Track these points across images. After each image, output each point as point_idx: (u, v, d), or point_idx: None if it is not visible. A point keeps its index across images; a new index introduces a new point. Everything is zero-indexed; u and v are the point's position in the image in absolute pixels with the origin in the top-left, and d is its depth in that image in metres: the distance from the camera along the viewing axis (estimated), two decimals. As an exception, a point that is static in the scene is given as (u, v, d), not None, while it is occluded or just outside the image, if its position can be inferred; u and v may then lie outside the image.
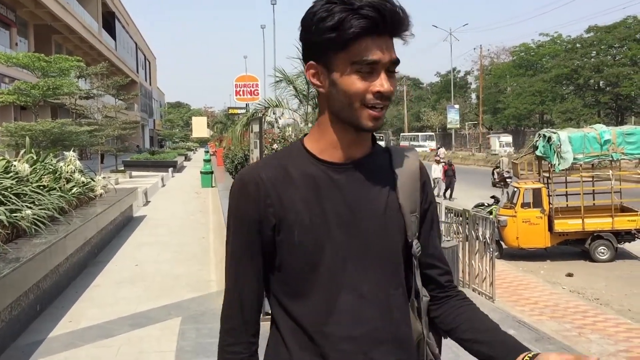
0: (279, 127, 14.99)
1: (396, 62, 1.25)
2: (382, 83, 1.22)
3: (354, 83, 1.22)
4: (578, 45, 50.56)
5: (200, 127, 59.64)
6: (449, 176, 22.40)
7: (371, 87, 1.22)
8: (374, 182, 1.32)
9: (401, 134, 75.60)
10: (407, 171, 1.37)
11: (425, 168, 1.44)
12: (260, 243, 1.31)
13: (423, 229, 1.40)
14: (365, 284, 1.28)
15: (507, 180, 26.88)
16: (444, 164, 22.76)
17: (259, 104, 19.96)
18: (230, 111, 39.46)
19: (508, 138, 50.00)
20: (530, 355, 1.21)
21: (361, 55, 1.21)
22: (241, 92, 25.90)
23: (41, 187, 7.38)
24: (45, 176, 8.12)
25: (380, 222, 1.31)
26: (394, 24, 1.21)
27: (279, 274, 1.32)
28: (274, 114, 16.25)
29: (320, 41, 1.23)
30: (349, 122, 1.27)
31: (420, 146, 59.14)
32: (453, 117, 57.37)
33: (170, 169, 28.50)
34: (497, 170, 25.14)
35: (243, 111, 28.78)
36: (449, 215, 12.21)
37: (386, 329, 1.29)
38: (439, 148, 52.78)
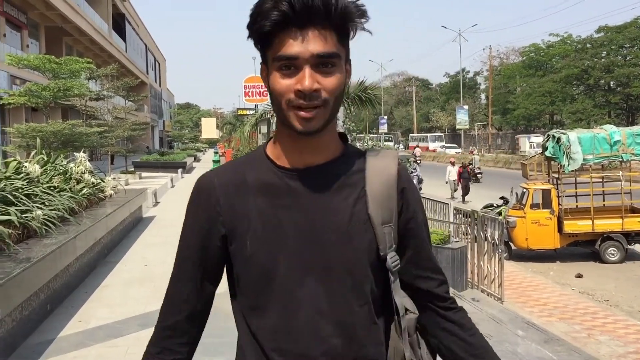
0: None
1: (325, 55, 1.12)
2: (301, 80, 1.11)
3: (277, 82, 1.14)
4: (588, 45, 50.31)
5: (209, 128, 59.80)
6: (465, 178, 21.99)
7: (293, 85, 1.12)
8: (338, 190, 1.21)
9: (410, 134, 75.50)
10: (380, 177, 1.24)
11: (406, 173, 1.29)
12: (207, 251, 1.25)
13: (410, 240, 1.28)
14: (325, 300, 1.18)
15: (478, 175, 27.56)
16: (459, 166, 22.44)
17: (267, 105, 20.04)
18: (239, 112, 39.63)
19: (539, 138, 49.48)
20: None
21: (277, 51, 1.13)
22: (250, 93, 25.96)
23: (52, 188, 7.45)
24: (56, 177, 8.20)
25: (343, 233, 1.19)
26: (310, 13, 1.10)
27: (238, 287, 1.26)
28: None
29: (253, 38, 1.19)
30: (283, 122, 1.19)
31: (450, 147, 58.51)
32: (462, 117, 57.22)
33: (179, 170, 28.62)
34: (469, 167, 25.07)
35: (252, 112, 28.87)
36: (457, 216, 12.19)
37: (347, 348, 1.19)
38: (415, 147, 52.57)
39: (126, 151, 29.34)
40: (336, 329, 1.19)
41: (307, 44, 1.11)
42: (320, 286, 1.18)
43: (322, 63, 1.12)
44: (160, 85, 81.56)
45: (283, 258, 1.18)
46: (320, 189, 1.20)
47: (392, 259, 1.23)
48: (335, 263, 1.19)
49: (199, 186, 1.28)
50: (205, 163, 41.18)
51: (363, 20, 1.18)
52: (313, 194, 1.20)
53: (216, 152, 36.09)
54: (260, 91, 25.82)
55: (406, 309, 1.28)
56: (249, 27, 1.17)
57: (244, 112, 35.71)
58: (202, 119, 67.73)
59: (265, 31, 1.13)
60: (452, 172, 22.33)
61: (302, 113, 1.13)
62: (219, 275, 1.30)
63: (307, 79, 1.11)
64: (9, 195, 5.91)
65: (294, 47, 1.11)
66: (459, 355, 1.30)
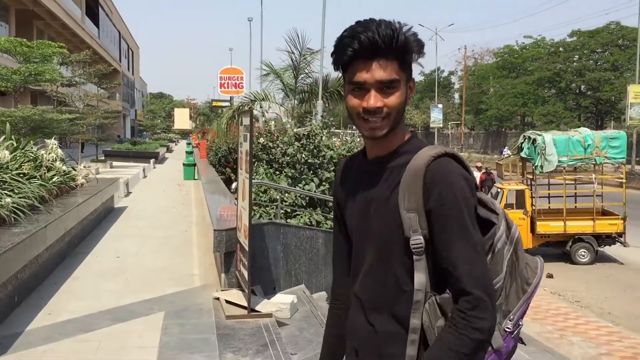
0: (265, 121, 14.87)
1: (386, 81, 1.46)
2: (368, 100, 1.47)
3: (351, 100, 1.52)
4: (561, 49, 51.06)
5: (182, 119, 59.21)
6: (487, 186, 20.29)
7: (361, 103, 1.49)
8: (386, 177, 1.55)
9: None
10: (413, 171, 1.48)
11: (438, 171, 1.46)
12: (338, 212, 1.75)
13: (434, 230, 1.46)
14: (369, 260, 1.56)
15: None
16: (482, 172, 20.92)
17: (244, 97, 19.85)
18: (214, 103, 39.25)
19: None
20: None
21: (351, 77, 1.49)
22: (226, 85, 25.73)
23: (21, 175, 7.19)
24: (26, 164, 7.92)
25: (379, 212, 1.53)
26: (373, 49, 1.44)
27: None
28: (260, 107, 16.12)
29: (335, 67, 1.56)
30: (357, 129, 1.59)
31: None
32: (436, 116, 57.61)
33: (151, 160, 28.18)
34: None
35: (227, 104, 28.60)
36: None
37: (375, 303, 1.56)
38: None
39: (97, 139, 28.77)
40: (371, 286, 1.57)
41: (372, 73, 1.46)
42: (370, 251, 1.56)
43: (385, 87, 1.47)
44: (133, 74, 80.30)
45: (355, 225, 1.63)
46: (376, 176, 1.58)
47: (414, 240, 1.46)
48: (375, 234, 1.54)
49: (338, 167, 1.81)
50: (178, 154, 40.64)
51: (421, 52, 1.52)
52: (372, 179, 1.58)
53: (189, 143, 35.61)
54: (235, 83, 25.57)
55: (444, 289, 1.46)
56: (332, 55, 1.54)
57: (219, 103, 35.41)
58: (175, 109, 66.99)
59: (343, 62, 1.50)
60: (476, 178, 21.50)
61: (369, 124, 1.50)
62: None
63: (372, 99, 1.47)
64: (-24, 182, 5.68)
65: (363, 75, 1.47)
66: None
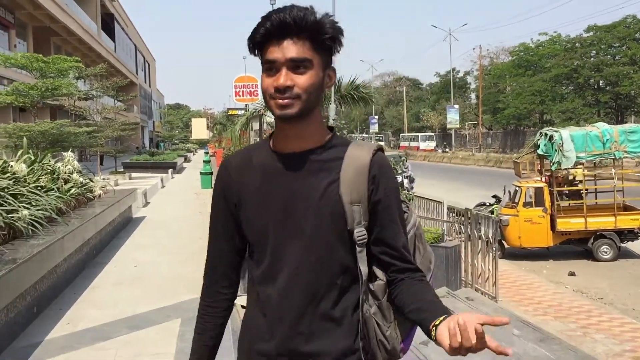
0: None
1: (296, 60, 1.45)
2: (278, 79, 1.45)
3: (263, 80, 1.49)
4: (577, 44, 50.45)
5: (199, 129, 59.56)
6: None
7: (272, 82, 1.46)
8: (315, 172, 1.50)
9: (401, 134, 75.49)
10: (354, 164, 1.50)
11: (380, 162, 1.53)
12: (229, 215, 1.61)
13: (378, 219, 1.52)
14: (299, 260, 1.49)
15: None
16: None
17: (258, 104, 19.90)
18: (230, 112, 39.48)
19: None
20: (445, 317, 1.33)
21: (264, 57, 1.49)
22: (240, 93, 25.85)
23: (39, 188, 7.29)
24: (43, 177, 8.03)
25: (313, 207, 1.48)
26: (284, 29, 1.44)
27: (249, 247, 1.62)
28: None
29: (251, 50, 1.54)
30: (271, 113, 1.52)
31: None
32: (453, 117, 57.27)
33: (169, 170, 28.41)
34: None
35: (243, 112, 28.73)
36: (450, 214, 12.12)
37: (307, 302, 1.49)
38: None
39: (115, 151, 29.07)
40: (304, 285, 1.49)
41: (283, 51, 1.44)
42: (298, 249, 1.49)
43: (296, 66, 1.45)
44: (150, 86, 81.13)
45: (271, 224, 1.52)
46: (301, 170, 1.51)
47: (358, 232, 1.49)
48: (306, 230, 1.49)
49: (221, 165, 1.67)
50: (196, 163, 40.91)
51: (339, 34, 1.50)
52: (295, 174, 1.51)
53: (207, 153, 35.86)
54: (250, 90, 25.69)
55: (376, 277, 1.54)
56: (248, 41, 1.52)
57: (235, 112, 35.60)
58: (193, 119, 67.45)
59: (256, 42, 1.49)
60: None
61: (279, 101, 1.45)
62: (243, 235, 1.62)
63: (282, 77, 1.44)
64: (-6, 195, 5.76)
65: (274, 53, 1.46)
66: (409, 305, 1.48)
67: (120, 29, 58.03)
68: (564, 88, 52.43)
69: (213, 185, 1.69)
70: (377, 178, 1.51)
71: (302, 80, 1.45)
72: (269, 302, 1.53)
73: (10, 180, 6.75)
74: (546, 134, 13.61)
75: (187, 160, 45.72)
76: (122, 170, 28.90)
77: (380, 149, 1.56)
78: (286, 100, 1.45)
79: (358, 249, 1.50)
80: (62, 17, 33.62)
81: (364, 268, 1.51)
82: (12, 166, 7.26)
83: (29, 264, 5.04)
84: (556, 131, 13.47)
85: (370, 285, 1.53)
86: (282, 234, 1.50)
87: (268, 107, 1.51)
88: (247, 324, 1.63)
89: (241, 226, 1.59)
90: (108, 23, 52.23)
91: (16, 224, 5.67)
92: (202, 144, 66.93)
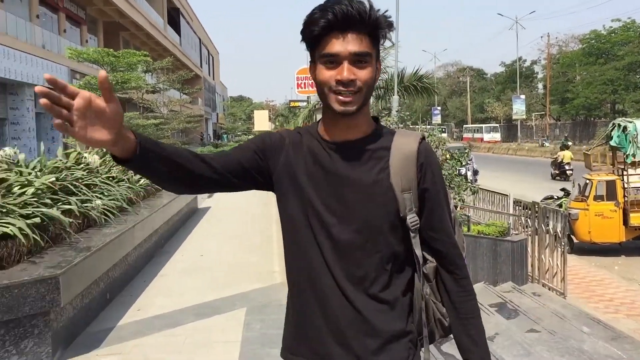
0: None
1: (359, 54, 1.46)
2: (341, 72, 1.45)
3: (322, 73, 1.49)
4: (654, 30, 48.05)
5: (262, 121, 60.11)
6: None
7: (335, 75, 1.46)
8: (365, 161, 1.54)
9: (464, 125, 74.08)
10: (402, 153, 1.54)
11: (426, 150, 1.58)
12: (254, 160, 1.59)
13: (427, 204, 1.57)
14: (341, 246, 1.51)
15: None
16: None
17: (320, 96, 19.94)
18: (292, 104, 39.74)
19: None
20: None
21: (323, 50, 1.48)
22: (302, 85, 25.97)
23: (110, 179, 7.55)
24: (115, 167, 8.31)
25: (364, 194, 1.51)
26: (347, 22, 1.44)
27: (282, 222, 1.63)
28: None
29: (305, 42, 1.54)
30: (326, 106, 1.53)
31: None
32: (519, 107, 55.72)
33: (233, 162, 28.87)
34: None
35: (304, 104, 28.89)
36: (517, 208, 11.82)
37: (354, 287, 1.52)
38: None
39: (181, 143, 29.82)
40: (347, 270, 1.52)
41: (346, 44, 1.45)
42: (348, 234, 1.51)
43: (358, 60, 1.47)
44: (213, 78, 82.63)
45: (314, 205, 1.53)
46: (351, 159, 1.54)
47: (411, 219, 1.53)
48: (355, 216, 1.51)
49: (276, 132, 1.66)
50: (258, 155, 41.45)
51: (391, 29, 1.53)
52: (344, 162, 1.54)
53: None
54: (312, 82, 25.77)
55: (426, 259, 1.60)
56: (302, 33, 1.53)
57: (296, 103, 35.81)
58: (255, 111, 68.26)
59: (314, 35, 1.48)
60: None
61: (341, 97, 1.47)
62: (245, 176, 1.60)
63: (346, 71, 1.45)
64: (69, 185, 6.01)
65: (336, 46, 1.46)
66: (452, 319, 1.62)
67: (186, 23, 59.26)
68: (638, 77, 50.02)
69: (261, 134, 1.67)
70: (425, 166, 1.56)
71: (363, 74, 1.48)
72: (318, 289, 1.55)
73: (84, 171, 7.02)
74: (619, 125, 13.06)
75: (249, 151, 46.35)
76: (188, 161, 29.56)
77: (424, 137, 1.61)
78: (349, 97, 1.47)
79: (412, 234, 1.55)
80: (131, 12, 34.63)
81: (418, 252, 1.56)
82: (85, 157, 7.55)
83: (102, 252, 5.24)
84: (630, 122, 12.91)
85: (423, 268, 1.59)
86: (332, 221, 1.52)
87: (324, 99, 1.51)
88: (295, 308, 1.64)
89: (250, 174, 1.59)
90: (174, 17, 53.44)
91: (90, 213, 5.90)
92: (264, 135, 67.62)
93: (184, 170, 1.49)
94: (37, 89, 1.22)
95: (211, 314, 5.38)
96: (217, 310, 5.47)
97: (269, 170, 1.61)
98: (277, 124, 62.66)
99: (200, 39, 70.04)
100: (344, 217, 1.52)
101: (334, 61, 1.47)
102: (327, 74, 1.48)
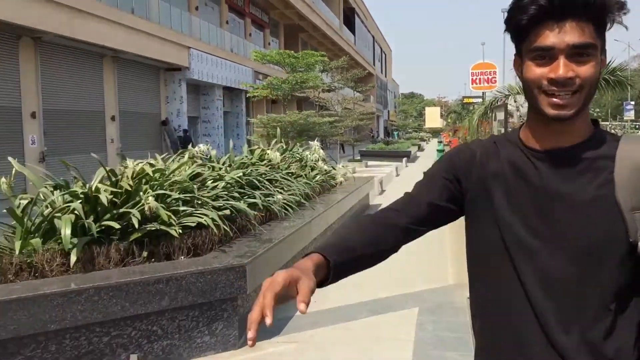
0: (520, 116, 14.17)
1: (581, 45, 1.19)
2: (555, 69, 1.19)
3: (531, 70, 1.23)
4: None
5: (433, 118, 59.61)
6: None
7: (547, 73, 1.21)
8: (581, 173, 1.25)
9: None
10: (632, 164, 1.23)
11: None
12: (445, 189, 1.39)
13: None
14: (551, 273, 1.24)
15: None
16: None
17: (497, 92, 19.21)
18: (465, 100, 38.77)
19: None
20: None
21: (533, 42, 1.22)
22: (477, 81, 25.19)
23: (289, 174, 7.95)
24: (293, 164, 8.74)
25: (581, 214, 1.22)
26: (565, 8, 1.18)
27: (470, 249, 1.40)
28: (514, 102, 15.46)
29: (510, 32, 1.29)
30: (534, 108, 1.28)
31: None
32: None
33: (404, 159, 28.93)
34: None
35: (479, 100, 28.01)
36: None
37: (566, 329, 1.23)
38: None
39: (354, 140, 30.50)
40: (556, 309, 1.23)
41: (563, 35, 1.18)
42: (557, 263, 1.23)
43: (578, 53, 1.19)
44: (385, 76, 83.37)
45: (514, 228, 1.27)
46: (563, 170, 1.26)
47: None
48: (568, 241, 1.23)
49: (464, 146, 1.45)
50: (429, 152, 41.09)
51: (623, 12, 1.23)
52: (554, 174, 1.26)
53: (440, 142, 35.76)
54: (488, 78, 24.96)
55: None
56: (506, 22, 1.28)
57: (470, 100, 34.87)
58: (426, 108, 67.86)
59: (522, 25, 1.22)
60: None
61: (555, 100, 1.20)
62: (439, 214, 1.42)
63: (562, 68, 1.18)
64: (254, 180, 6.43)
65: (550, 38, 1.19)
66: None
67: (360, 22, 60.44)
68: None
69: (445, 155, 1.47)
70: None
71: (584, 70, 1.20)
72: (516, 330, 1.28)
73: (267, 167, 7.47)
74: None
75: (420, 149, 46.10)
76: (359, 158, 30.23)
77: None
78: (565, 99, 1.20)
79: None
80: (309, 15, 36.13)
81: None
82: (268, 154, 8.03)
83: (283, 244, 5.53)
84: None
85: None
86: (535, 244, 1.25)
87: (534, 100, 1.25)
88: (485, 348, 1.38)
89: (443, 208, 1.39)
90: (349, 17, 54.78)
91: (272, 207, 6.26)
92: (435, 133, 66.94)
93: (380, 252, 1.40)
94: (249, 337, 1.05)
95: (383, 311, 5.44)
96: (390, 308, 5.51)
97: (462, 194, 1.39)
98: (449, 120, 61.57)
99: (373, 37, 71.04)
100: (554, 242, 1.24)
101: (545, 56, 1.21)
102: (538, 72, 1.22)
